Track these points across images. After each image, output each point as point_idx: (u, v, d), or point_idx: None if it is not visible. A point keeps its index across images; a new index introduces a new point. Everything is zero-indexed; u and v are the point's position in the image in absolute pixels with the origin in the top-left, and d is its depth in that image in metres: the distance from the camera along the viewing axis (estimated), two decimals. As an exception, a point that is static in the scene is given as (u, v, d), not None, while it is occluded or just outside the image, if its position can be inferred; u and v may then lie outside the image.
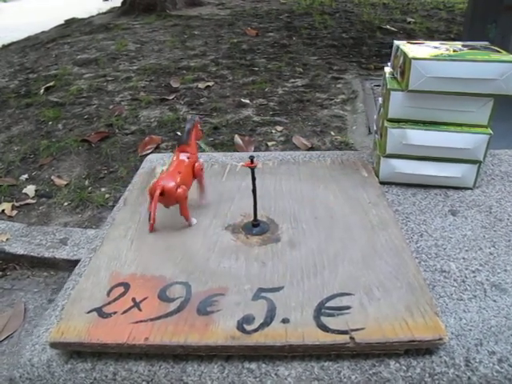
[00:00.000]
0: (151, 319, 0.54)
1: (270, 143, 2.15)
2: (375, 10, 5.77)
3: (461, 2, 6.69)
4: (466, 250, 0.69)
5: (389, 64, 0.97)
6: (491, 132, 0.81)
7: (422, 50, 0.82)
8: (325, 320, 0.53)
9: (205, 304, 0.56)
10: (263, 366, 0.52)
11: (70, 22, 5.68)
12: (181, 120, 2.33)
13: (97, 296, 0.58)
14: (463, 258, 0.67)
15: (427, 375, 0.51)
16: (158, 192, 0.67)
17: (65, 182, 1.89)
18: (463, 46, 0.86)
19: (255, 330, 0.52)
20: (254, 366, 0.52)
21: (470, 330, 0.55)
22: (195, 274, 0.62)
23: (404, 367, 0.52)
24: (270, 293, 0.58)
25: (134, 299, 0.57)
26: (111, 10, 6.19)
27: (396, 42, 0.91)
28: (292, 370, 0.51)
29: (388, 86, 0.83)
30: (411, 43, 0.89)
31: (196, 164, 0.75)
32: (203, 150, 0.80)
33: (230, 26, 4.60)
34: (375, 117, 1.02)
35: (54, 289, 1.33)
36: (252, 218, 0.74)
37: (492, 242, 0.71)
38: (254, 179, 0.69)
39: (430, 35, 4.36)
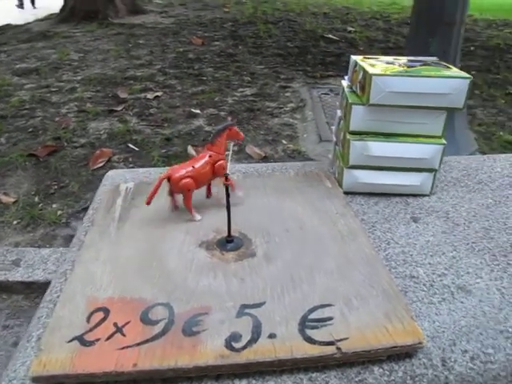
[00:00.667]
0: (137, 344, 0.53)
1: (224, 153, 2.16)
2: (317, 19, 5.97)
3: (396, 12, 7.08)
4: (431, 255, 0.74)
5: (346, 77, 1.01)
6: (445, 142, 0.87)
7: (380, 65, 0.86)
8: (310, 332, 0.55)
9: (190, 324, 0.56)
10: (253, 382, 0.52)
11: (4, 29, 5.38)
12: (131, 132, 2.28)
13: (76, 323, 0.56)
14: (429, 264, 0.72)
15: (409, 378, 0.54)
16: (163, 175, 0.75)
17: (12, 200, 1.79)
18: (414, 61, 0.91)
19: (244, 348, 0.52)
20: (244, 382, 0.52)
21: (443, 331, 0.59)
22: (175, 294, 0.61)
23: (387, 372, 0.54)
24: (253, 309, 0.59)
25: (115, 324, 0.56)
26: (49, 17, 5.94)
27: (353, 57, 0.95)
28: (282, 383, 0.52)
29: (349, 101, 0.87)
30: (367, 58, 0.94)
31: (218, 163, 0.78)
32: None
33: (174, 35, 4.57)
34: (334, 128, 1.06)
35: (9, 314, 1.25)
36: (224, 234, 0.75)
37: (453, 246, 0.76)
38: (228, 196, 0.69)
39: (370, 44, 4.58)
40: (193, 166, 0.76)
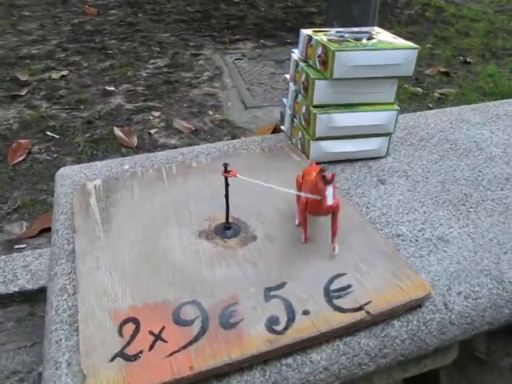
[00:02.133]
0: (183, 347, 0.53)
1: (152, 131, 2.09)
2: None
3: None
4: (406, 213, 0.82)
5: (295, 51, 1.04)
6: (398, 108, 0.95)
7: (336, 40, 0.90)
8: (337, 302, 0.60)
9: (225, 317, 0.58)
10: (298, 357, 0.56)
11: None
12: (46, 118, 2.09)
13: (109, 340, 0.55)
14: (407, 221, 0.80)
15: (422, 324, 0.62)
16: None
17: None
18: (361, 32, 0.97)
19: (286, 328, 0.56)
20: (290, 360, 0.56)
21: (439, 279, 0.67)
22: (197, 290, 0.62)
23: (405, 323, 0.61)
24: (277, 290, 0.62)
25: (151, 332, 0.55)
26: None
27: (304, 31, 0.98)
28: (322, 353, 0.57)
29: (312, 76, 0.90)
30: (317, 32, 0.97)
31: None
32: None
33: (64, 5, 4.15)
34: (286, 102, 1.09)
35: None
36: (218, 221, 0.76)
37: (420, 202, 0.86)
38: (227, 185, 0.70)
39: (271, 4, 4.59)
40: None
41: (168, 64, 2.86)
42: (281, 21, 4.02)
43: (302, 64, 0.97)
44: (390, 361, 0.61)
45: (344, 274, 0.64)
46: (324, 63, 0.89)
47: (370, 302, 0.60)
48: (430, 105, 2.54)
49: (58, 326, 0.61)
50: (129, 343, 0.54)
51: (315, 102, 0.92)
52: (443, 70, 2.98)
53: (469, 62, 3.22)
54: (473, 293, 0.67)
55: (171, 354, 0.52)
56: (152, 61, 2.90)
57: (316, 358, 0.57)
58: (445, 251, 0.73)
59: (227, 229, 0.75)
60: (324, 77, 0.89)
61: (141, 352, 0.53)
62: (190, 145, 1.94)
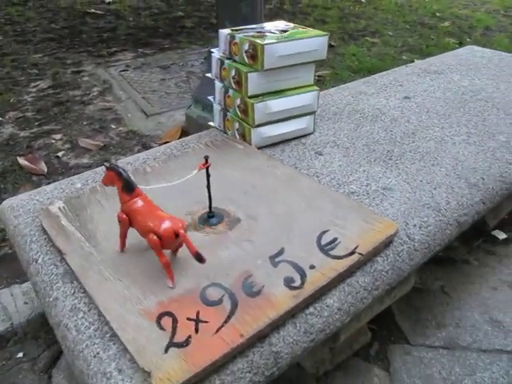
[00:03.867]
0: (225, 321, 0.59)
1: (59, 154, 1.98)
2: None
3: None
4: (350, 175, 0.96)
5: (214, 50, 1.11)
6: (318, 88, 1.09)
7: (259, 35, 1.00)
8: (333, 252, 0.70)
9: (248, 288, 0.65)
10: (316, 305, 0.66)
11: None
12: None
13: (153, 336, 0.58)
14: (354, 180, 0.94)
15: (396, 255, 0.76)
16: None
17: None
18: (279, 30, 1.07)
19: (302, 283, 0.65)
20: (311, 309, 0.65)
21: (397, 218, 0.82)
22: (211, 274, 0.68)
23: (385, 257, 0.75)
24: (280, 256, 0.71)
25: (190, 318, 0.60)
26: None
27: (224, 31, 1.06)
28: (333, 297, 0.68)
29: (244, 70, 0.99)
30: (236, 30, 1.06)
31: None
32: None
33: None
34: (213, 99, 1.16)
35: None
36: (195, 214, 0.82)
37: (357, 163, 1.00)
38: (208, 176, 0.76)
39: (138, 13, 4.54)
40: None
41: (52, 85, 2.70)
42: (152, 28, 4.01)
43: (227, 61, 1.06)
44: (380, 291, 0.74)
45: (327, 231, 0.75)
46: (253, 57, 0.98)
47: (357, 246, 0.71)
48: (314, 86, 2.79)
49: (88, 342, 0.62)
50: (174, 333, 0.58)
51: (250, 93, 1.02)
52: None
53: (333, 46, 3.57)
54: (423, 223, 0.82)
55: (218, 330, 0.58)
56: (32, 84, 2.71)
57: (330, 301, 0.67)
58: (392, 197, 0.88)
59: (211, 217, 0.81)
60: (255, 69, 0.99)
61: (189, 337, 0.58)
62: (104, 161, 1.89)
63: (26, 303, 1.21)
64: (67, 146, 2.07)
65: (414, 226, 0.81)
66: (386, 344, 1.05)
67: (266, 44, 0.95)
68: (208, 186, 0.78)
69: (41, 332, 1.16)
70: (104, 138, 2.17)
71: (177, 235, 0.64)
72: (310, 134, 1.14)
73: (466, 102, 1.32)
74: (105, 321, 0.63)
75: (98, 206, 0.86)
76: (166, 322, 0.60)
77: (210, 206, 0.80)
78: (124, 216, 0.69)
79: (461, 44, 3.37)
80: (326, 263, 0.68)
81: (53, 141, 2.11)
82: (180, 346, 0.57)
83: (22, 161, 1.86)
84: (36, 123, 2.25)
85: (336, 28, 4.05)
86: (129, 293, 0.65)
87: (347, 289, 0.69)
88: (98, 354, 0.60)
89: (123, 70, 3.03)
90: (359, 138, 1.12)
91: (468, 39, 3.63)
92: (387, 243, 0.76)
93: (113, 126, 2.28)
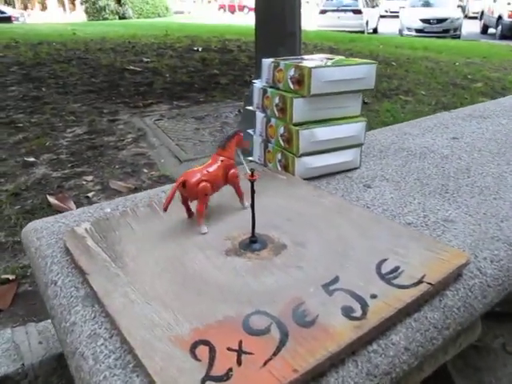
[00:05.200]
0: (274, 353, 0.49)
1: (89, 194, 1.97)
2: (108, 55, 5.86)
3: (176, 42, 7.47)
4: (405, 206, 0.87)
5: (257, 81, 1.09)
6: (366, 119, 1.03)
7: (305, 62, 0.97)
8: (396, 282, 0.60)
9: (299, 317, 0.55)
10: (381, 342, 0.55)
11: None
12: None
13: (187, 367, 0.49)
14: (409, 212, 0.85)
15: (468, 290, 0.65)
16: (179, 180, 0.72)
17: None
18: (323, 58, 1.05)
19: (364, 313, 0.55)
20: (375, 346, 0.54)
21: (464, 250, 0.72)
22: (255, 300, 0.59)
23: (455, 291, 0.64)
24: (334, 285, 0.61)
25: (230, 349, 0.51)
26: None
27: (267, 60, 1.04)
28: (399, 333, 0.57)
29: (289, 96, 0.95)
30: (280, 59, 1.03)
31: (231, 171, 0.78)
32: (241, 163, 0.85)
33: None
34: (254, 131, 1.12)
35: None
36: (235, 239, 0.74)
37: (411, 196, 0.92)
38: (253, 192, 0.69)
39: (174, 70, 4.76)
40: (207, 171, 0.74)
41: (87, 131, 2.77)
42: (188, 84, 4.17)
43: (270, 90, 1.02)
44: (451, 331, 0.62)
45: (386, 259, 0.66)
46: (299, 82, 0.94)
47: (424, 276, 0.61)
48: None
49: (107, 373, 0.52)
50: (211, 364, 0.49)
51: (295, 120, 0.97)
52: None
53: (366, 103, 3.60)
54: (494, 256, 0.72)
55: (266, 363, 0.48)
56: (69, 130, 2.79)
57: (396, 338, 0.56)
58: (455, 228, 0.78)
59: (253, 242, 0.72)
60: (300, 95, 0.95)
61: (230, 370, 0.48)
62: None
63: (40, 343, 1.11)
64: (98, 187, 2.06)
65: (485, 259, 0.71)
66: (445, 407, 0.90)
67: (313, 68, 0.91)
68: (252, 205, 0.70)
69: (53, 377, 1.06)
70: (135, 181, 2.16)
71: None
72: (356, 169, 1.07)
73: (521, 142, 1.24)
74: (128, 349, 0.54)
75: (127, 228, 0.79)
76: (202, 351, 0.51)
77: (253, 230, 0.72)
78: None
79: (496, 101, 3.34)
80: (390, 292, 0.58)
81: (84, 182, 2.11)
82: (219, 379, 0.47)
83: (51, 199, 1.85)
84: (69, 165, 2.27)
85: (368, 86, 4.11)
86: (158, 317, 0.57)
87: (415, 325, 0.58)
88: (127, 382, 0.50)
89: (158, 119, 3.10)
90: (409, 173, 1.04)
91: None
92: (457, 275, 0.65)
93: (145, 171, 2.28)
